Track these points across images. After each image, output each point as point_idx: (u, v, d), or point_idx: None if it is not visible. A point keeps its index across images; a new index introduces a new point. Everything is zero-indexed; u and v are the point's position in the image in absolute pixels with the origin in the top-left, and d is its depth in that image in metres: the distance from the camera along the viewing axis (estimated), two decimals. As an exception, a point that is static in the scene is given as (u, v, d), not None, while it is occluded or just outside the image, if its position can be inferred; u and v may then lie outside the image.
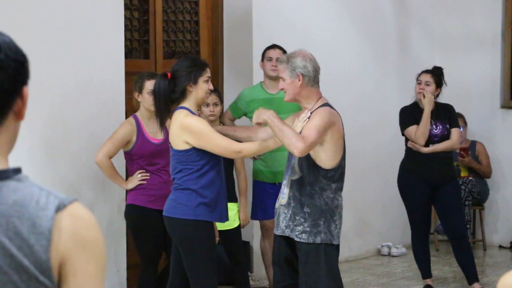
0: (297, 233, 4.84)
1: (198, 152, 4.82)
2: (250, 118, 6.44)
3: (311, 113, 4.83)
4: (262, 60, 6.65)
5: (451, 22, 9.13)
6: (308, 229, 4.82)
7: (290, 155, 4.91)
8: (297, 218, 4.84)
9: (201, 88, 4.88)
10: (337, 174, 4.87)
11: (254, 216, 6.69)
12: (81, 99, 6.03)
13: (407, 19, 8.97)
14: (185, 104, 4.87)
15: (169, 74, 4.87)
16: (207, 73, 4.93)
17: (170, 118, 4.95)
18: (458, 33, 9.14)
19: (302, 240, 4.83)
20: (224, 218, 5.02)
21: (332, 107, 4.91)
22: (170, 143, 4.94)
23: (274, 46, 6.61)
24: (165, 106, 4.86)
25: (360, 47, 8.47)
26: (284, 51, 6.43)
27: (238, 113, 6.67)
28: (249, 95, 6.60)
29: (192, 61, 4.98)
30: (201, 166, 4.84)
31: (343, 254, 7.87)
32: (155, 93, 4.89)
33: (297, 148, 4.61)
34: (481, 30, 9.06)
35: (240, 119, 6.77)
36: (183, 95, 4.86)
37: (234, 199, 6.31)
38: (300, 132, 4.74)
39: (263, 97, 6.56)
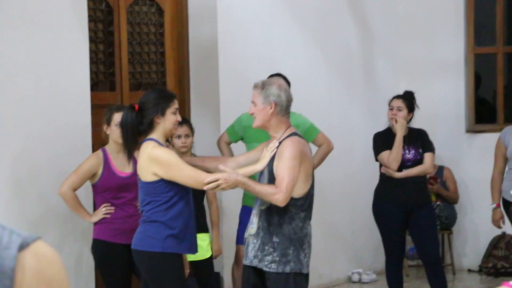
0: (266, 263, 4.83)
1: (166, 184, 4.81)
2: (246, 143, 6.48)
3: (279, 143, 4.84)
4: None
5: (415, 49, 9.23)
6: (277, 258, 4.81)
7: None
8: (266, 248, 4.83)
9: (169, 119, 4.88)
10: (306, 203, 4.88)
11: (238, 241, 6.66)
12: (48, 134, 5.99)
13: (372, 47, 9.05)
14: (153, 135, 4.87)
15: (136, 106, 4.87)
16: (175, 105, 4.92)
17: (138, 150, 4.94)
18: (422, 59, 9.23)
19: (271, 270, 4.82)
20: (194, 249, 5.00)
21: (300, 136, 4.93)
22: (138, 175, 4.92)
23: (278, 75, 6.56)
24: (133, 138, 4.85)
25: (325, 75, 8.53)
26: (287, 81, 6.40)
27: (235, 137, 6.65)
28: (247, 120, 6.55)
29: (160, 92, 4.98)
30: (169, 197, 4.83)
31: (314, 282, 7.86)
32: (122, 125, 4.88)
33: (277, 201, 4.70)
34: (444, 56, 9.17)
35: (237, 143, 6.75)
36: (150, 127, 4.86)
37: (205, 230, 6.29)
38: (272, 162, 4.76)
39: None
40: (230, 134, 6.66)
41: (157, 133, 4.87)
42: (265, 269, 4.84)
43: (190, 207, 4.93)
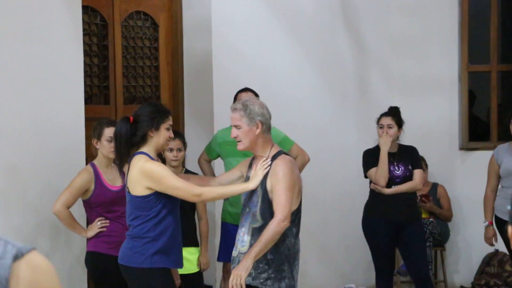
0: (262, 280, 4.80)
1: (156, 198, 4.81)
2: (223, 158, 6.54)
3: (271, 161, 4.81)
4: (234, 102, 6.63)
5: (409, 65, 9.25)
6: (273, 275, 4.79)
7: (247, 201, 4.89)
8: (261, 265, 4.79)
9: (162, 134, 4.90)
10: (297, 218, 4.88)
11: (219, 258, 6.68)
12: (40, 145, 5.98)
13: (366, 62, 9.06)
14: (144, 149, 4.88)
15: (131, 118, 4.88)
16: (169, 121, 4.95)
17: (127, 163, 4.95)
18: (416, 76, 9.25)
19: (267, 287, 4.79)
20: (180, 263, 5.01)
21: (286, 154, 4.93)
22: (127, 189, 4.91)
23: (246, 89, 6.59)
24: (125, 150, 4.86)
25: (319, 90, 8.54)
26: (256, 94, 6.44)
27: (213, 154, 6.69)
28: (221, 137, 6.61)
29: (156, 107, 5.01)
30: (157, 212, 4.84)
31: (306, 297, 7.85)
32: (116, 136, 4.89)
33: (286, 227, 4.69)
34: (438, 73, 9.19)
35: (216, 160, 6.77)
36: (143, 140, 4.88)
37: (195, 244, 6.29)
38: (265, 180, 4.75)
39: (234, 140, 6.58)
40: (208, 152, 6.73)
41: (149, 147, 4.89)
42: (260, 286, 4.80)
43: (177, 221, 4.95)
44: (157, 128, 4.88)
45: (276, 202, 4.71)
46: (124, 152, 4.86)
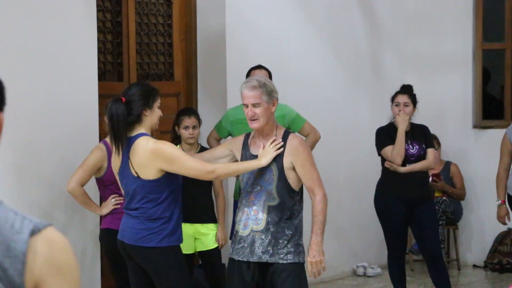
0: (282, 255, 4.81)
1: (167, 180, 4.81)
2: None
3: (282, 140, 4.82)
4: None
5: (423, 43, 9.21)
6: (292, 249, 4.82)
7: (258, 179, 4.88)
8: (280, 241, 4.81)
9: (156, 113, 4.89)
10: (301, 192, 4.94)
11: (231, 236, 6.69)
12: (54, 122, 6.00)
13: (380, 41, 9.03)
14: (141, 129, 4.84)
15: (123, 98, 4.84)
16: (159, 99, 4.94)
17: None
18: (429, 54, 9.21)
19: (288, 261, 4.81)
20: (182, 239, 5.04)
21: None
22: (136, 173, 4.84)
23: (260, 67, 6.57)
24: (123, 131, 4.78)
25: (333, 69, 8.52)
26: (269, 72, 6.42)
27: (223, 133, 6.67)
28: (233, 115, 6.59)
29: (146, 86, 4.98)
30: (169, 193, 4.84)
31: (318, 275, 7.85)
32: (112, 117, 4.78)
33: (327, 200, 4.84)
34: (452, 51, 9.15)
35: (226, 138, 6.77)
36: (138, 119, 4.84)
37: (214, 220, 6.30)
38: (281, 159, 4.78)
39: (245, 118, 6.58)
40: (219, 130, 6.69)
41: (145, 127, 4.85)
42: (281, 261, 4.81)
43: (180, 199, 4.97)
44: (151, 107, 4.86)
45: (312, 179, 4.79)
46: (122, 134, 4.77)
